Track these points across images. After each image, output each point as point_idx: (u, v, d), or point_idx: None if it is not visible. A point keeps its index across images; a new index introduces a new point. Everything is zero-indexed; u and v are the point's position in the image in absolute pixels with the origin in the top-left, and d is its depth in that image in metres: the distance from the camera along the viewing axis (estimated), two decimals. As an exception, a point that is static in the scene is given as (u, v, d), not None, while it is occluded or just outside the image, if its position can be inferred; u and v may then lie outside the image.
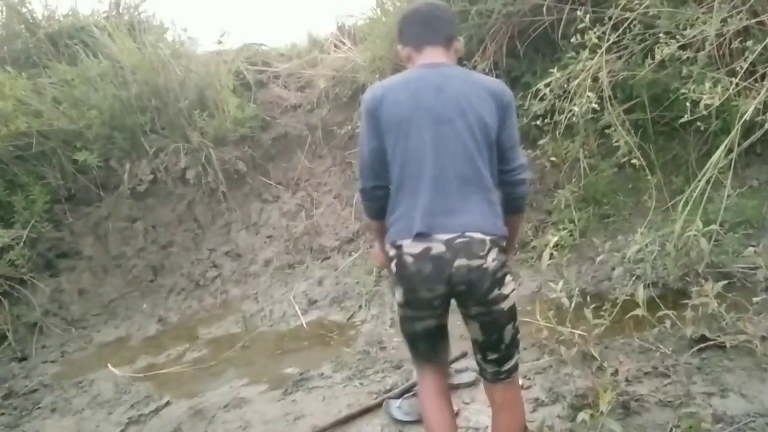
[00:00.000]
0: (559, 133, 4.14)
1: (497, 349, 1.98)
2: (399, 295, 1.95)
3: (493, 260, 1.87)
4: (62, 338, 4.69)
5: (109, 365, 4.04)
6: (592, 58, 3.78)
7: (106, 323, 4.84)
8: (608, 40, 3.79)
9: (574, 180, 4.27)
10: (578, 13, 3.70)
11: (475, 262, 1.84)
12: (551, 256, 3.41)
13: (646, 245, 3.31)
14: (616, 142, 3.88)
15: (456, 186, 1.90)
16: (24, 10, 5.91)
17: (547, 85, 4.04)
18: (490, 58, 4.57)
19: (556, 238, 3.57)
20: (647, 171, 3.93)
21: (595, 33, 3.62)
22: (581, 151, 4.20)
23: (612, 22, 3.78)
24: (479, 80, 2.05)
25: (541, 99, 4.07)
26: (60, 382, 4.03)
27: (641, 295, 2.74)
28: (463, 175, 1.90)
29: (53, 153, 5.20)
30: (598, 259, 3.64)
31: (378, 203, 2.06)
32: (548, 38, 4.53)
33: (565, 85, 3.97)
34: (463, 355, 3.07)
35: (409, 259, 1.87)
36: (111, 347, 4.51)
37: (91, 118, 5.09)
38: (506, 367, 2.00)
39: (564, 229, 4.09)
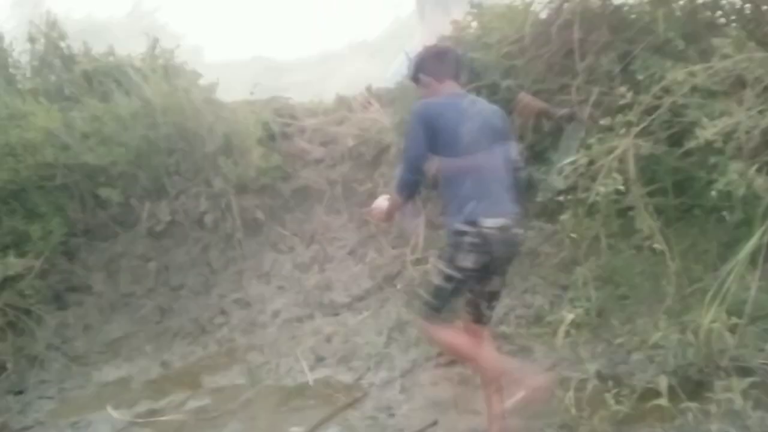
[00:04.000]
0: (580, 211, 4.15)
1: (499, 298, 3.00)
2: (469, 259, 2.64)
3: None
4: (62, 374, 4.63)
5: (108, 407, 3.96)
6: (620, 140, 3.83)
7: (108, 362, 4.78)
8: (637, 124, 3.85)
9: (592, 258, 4.26)
10: (621, 89, 3.76)
11: (521, 230, 2.81)
12: (567, 333, 3.40)
13: (667, 333, 3.28)
14: (639, 225, 3.89)
15: (501, 182, 2.75)
16: (62, 44, 6.07)
17: (572, 163, 4.08)
18: (516, 131, 4.64)
19: (572, 316, 3.56)
20: (667, 256, 3.93)
21: (625, 117, 3.68)
22: (602, 229, 4.21)
23: (642, 109, 3.85)
24: (491, 105, 3.01)
25: (566, 177, 4.10)
26: (56, 420, 3.98)
27: (664, 384, 2.72)
28: (502, 174, 2.78)
29: (76, 186, 5.26)
30: (616, 341, 3.62)
31: (413, 190, 2.93)
32: (573, 117, 4.61)
33: (590, 165, 4.01)
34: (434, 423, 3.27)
35: (490, 231, 2.62)
36: (111, 388, 4.43)
37: (117, 155, 5.16)
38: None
39: (580, 306, 4.06)
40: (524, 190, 3.11)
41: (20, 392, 4.45)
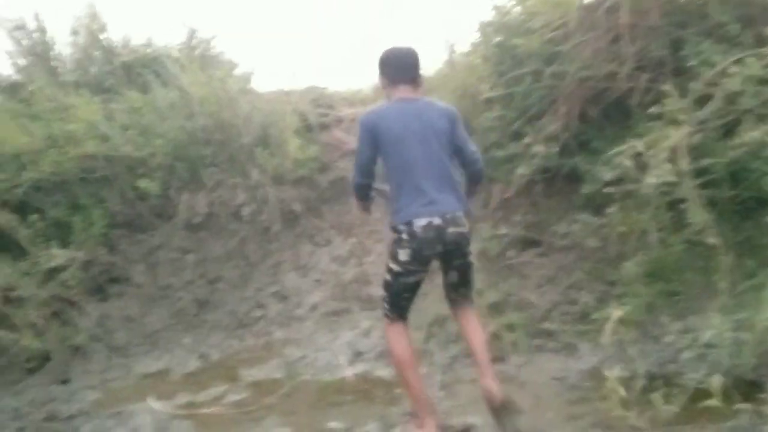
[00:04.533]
0: (629, 203, 4.00)
1: (468, 285, 3.14)
2: (405, 255, 2.87)
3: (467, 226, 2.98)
4: (103, 365, 4.69)
5: (148, 399, 3.97)
6: (672, 130, 3.66)
7: (147, 354, 4.82)
8: (689, 113, 3.68)
9: (641, 252, 4.10)
10: (666, 87, 3.60)
11: (460, 229, 2.92)
12: (614, 331, 3.28)
13: (721, 331, 3.14)
14: (691, 218, 3.72)
15: (439, 184, 2.90)
16: (103, 36, 6.11)
17: (619, 153, 3.93)
18: (561, 120, 4.49)
19: (620, 313, 3.42)
20: (720, 250, 3.75)
21: (678, 106, 3.51)
22: (652, 223, 4.04)
23: (694, 97, 3.67)
24: (438, 107, 3.08)
25: (613, 167, 3.95)
26: (99, 410, 4.00)
27: (717, 384, 2.60)
28: (441, 176, 2.92)
29: (116, 178, 5.28)
30: (666, 339, 3.48)
31: (366, 192, 3.18)
32: (621, 105, 4.44)
33: (639, 155, 3.86)
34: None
35: (419, 230, 2.83)
36: (151, 379, 4.46)
37: (156, 146, 5.17)
38: (471, 294, 3.19)
39: (628, 303, 3.91)
40: (480, 182, 3.35)
41: (65, 381, 4.51)
